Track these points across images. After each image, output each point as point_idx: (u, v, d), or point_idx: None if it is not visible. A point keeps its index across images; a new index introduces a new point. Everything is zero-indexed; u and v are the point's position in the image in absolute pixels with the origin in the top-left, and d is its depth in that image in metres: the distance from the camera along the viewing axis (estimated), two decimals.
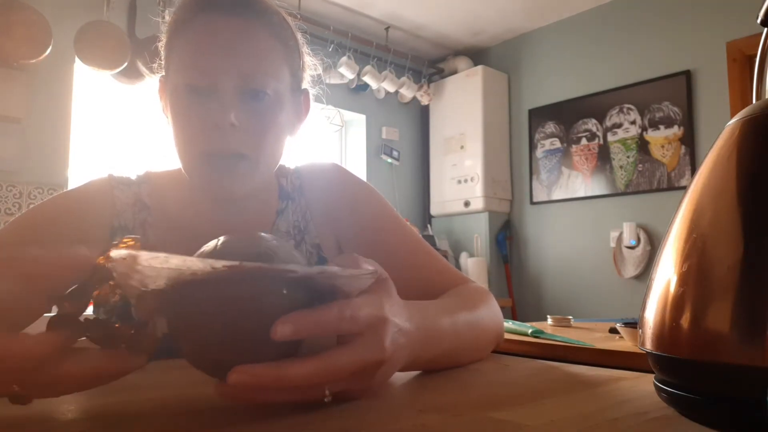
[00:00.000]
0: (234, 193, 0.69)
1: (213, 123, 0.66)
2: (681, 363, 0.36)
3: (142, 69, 2.67)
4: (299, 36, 0.77)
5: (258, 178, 0.71)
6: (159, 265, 0.32)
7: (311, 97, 0.82)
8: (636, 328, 1.07)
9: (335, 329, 0.37)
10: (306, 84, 0.80)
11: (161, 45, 0.76)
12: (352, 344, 0.38)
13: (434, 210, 4.01)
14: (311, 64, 0.81)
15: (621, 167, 3.28)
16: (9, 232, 0.70)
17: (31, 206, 0.73)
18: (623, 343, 1.21)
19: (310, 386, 0.36)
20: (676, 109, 3.08)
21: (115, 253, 0.33)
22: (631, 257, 3.15)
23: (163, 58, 0.76)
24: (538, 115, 3.73)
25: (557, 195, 3.58)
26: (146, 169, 0.81)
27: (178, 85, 0.68)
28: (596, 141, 3.41)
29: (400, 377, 0.54)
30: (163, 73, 0.76)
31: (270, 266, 0.34)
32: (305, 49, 0.79)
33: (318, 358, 0.36)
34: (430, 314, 0.53)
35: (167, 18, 0.75)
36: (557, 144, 3.61)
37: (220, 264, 0.32)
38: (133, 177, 0.79)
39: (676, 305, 0.36)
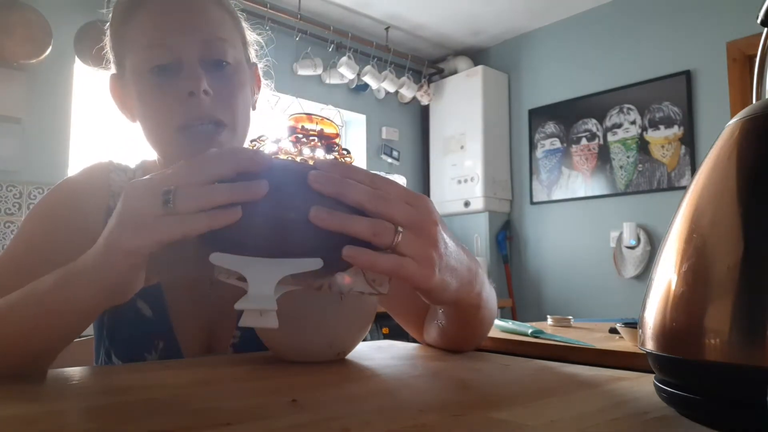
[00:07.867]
0: None
1: (186, 93, 0.67)
2: (681, 363, 0.36)
3: None
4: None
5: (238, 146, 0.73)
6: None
7: (260, 71, 0.84)
8: (636, 328, 1.07)
9: (369, 209, 0.46)
10: (253, 59, 0.83)
11: (107, 43, 0.77)
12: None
13: None
14: (254, 40, 0.83)
15: (621, 167, 3.28)
16: (29, 229, 0.72)
17: (39, 199, 0.77)
18: (623, 343, 1.21)
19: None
20: (676, 109, 3.08)
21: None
22: (631, 257, 3.15)
23: (112, 53, 0.76)
24: (538, 115, 3.73)
25: (557, 195, 3.58)
26: (142, 158, 0.84)
27: (141, 69, 0.69)
28: (596, 141, 3.41)
29: (399, 377, 0.54)
30: (114, 71, 0.77)
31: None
32: (245, 24, 0.81)
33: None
34: (472, 261, 0.59)
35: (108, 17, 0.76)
36: (557, 144, 3.61)
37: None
38: (132, 166, 0.83)
39: (676, 305, 0.36)
